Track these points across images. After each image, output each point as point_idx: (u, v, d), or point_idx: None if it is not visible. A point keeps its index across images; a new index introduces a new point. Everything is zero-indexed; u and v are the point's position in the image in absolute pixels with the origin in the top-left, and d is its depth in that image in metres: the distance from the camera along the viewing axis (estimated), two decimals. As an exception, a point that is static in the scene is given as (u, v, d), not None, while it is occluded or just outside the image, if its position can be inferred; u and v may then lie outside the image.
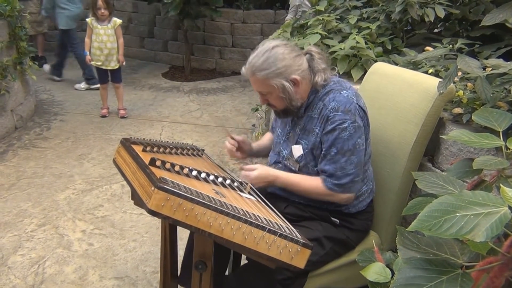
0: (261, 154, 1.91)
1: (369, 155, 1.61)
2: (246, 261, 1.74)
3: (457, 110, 1.63)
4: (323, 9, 2.97)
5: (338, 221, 1.59)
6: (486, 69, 1.63)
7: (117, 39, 4.21)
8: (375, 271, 0.94)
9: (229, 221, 1.12)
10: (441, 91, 1.50)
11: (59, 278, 2.21)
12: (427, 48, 1.95)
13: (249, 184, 1.52)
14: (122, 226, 2.64)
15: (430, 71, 1.89)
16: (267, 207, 1.39)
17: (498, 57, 1.89)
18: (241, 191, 1.44)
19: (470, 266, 0.76)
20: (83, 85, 5.28)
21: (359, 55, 2.34)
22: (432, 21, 2.32)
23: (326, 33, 2.60)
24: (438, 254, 0.81)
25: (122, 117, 4.44)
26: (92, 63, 4.26)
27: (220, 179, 1.42)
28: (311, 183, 1.54)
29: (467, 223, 0.68)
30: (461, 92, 1.65)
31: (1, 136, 3.82)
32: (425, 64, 1.97)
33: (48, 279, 2.19)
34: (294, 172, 1.59)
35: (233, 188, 1.42)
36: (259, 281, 1.54)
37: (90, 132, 4.08)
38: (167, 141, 1.67)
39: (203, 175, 1.39)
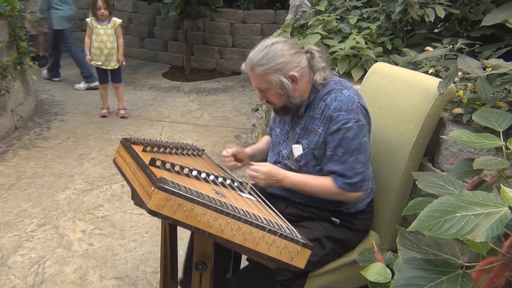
0: (257, 158, 1.89)
1: (369, 154, 1.61)
2: (246, 264, 1.74)
3: (457, 110, 1.63)
4: (323, 9, 2.97)
5: (338, 221, 1.59)
6: (486, 69, 1.63)
7: (117, 39, 4.21)
8: (375, 271, 0.93)
9: (229, 221, 1.12)
10: (441, 91, 1.50)
11: (59, 278, 2.21)
12: (427, 48, 1.95)
13: (249, 184, 1.52)
14: (122, 226, 2.64)
15: (430, 71, 1.89)
16: (267, 207, 1.39)
17: (498, 57, 1.89)
18: (241, 191, 1.44)
19: (470, 266, 0.76)
20: (82, 84, 5.28)
21: (359, 55, 2.34)
22: (432, 21, 2.32)
23: (326, 33, 2.60)
24: (439, 254, 0.81)
25: (122, 117, 4.44)
26: (92, 63, 4.26)
27: (220, 179, 1.42)
28: (321, 182, 1.53)
29: (468, 223, 0.68)
30: (461, 92, 1.65)
31: (1, 136, 3.82)
32: (425, 64, 1.97)
33: (48, 279, 2.19)
34: (295, 171, 1.59)
35: (233, 188, 1.42)
36: (259, 282, 1.54)
37: (90, 132, 4.08)
38: (167, 141, 1.67)
39: (203, 175, 1.39)
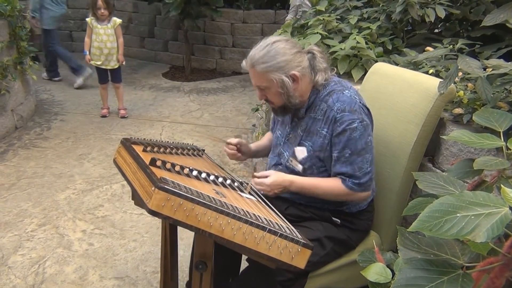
0: (261, 155, 1.90)
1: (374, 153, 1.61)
2: (246, 264, 1.74)
3: (458, 110, 1.62)
4: (324, 9, 2.97)
5: (339, 221, 1.59)
6: (487, 69, 1.63)
7: (117, 38, 4.22)
8: (375, 272, 0.93)
9: (229, 221, 1.12)
10: (442, 92, 1.50)
11: (59, 278, 2.21)
12: (428, 48, 1.95)
13: (250, 184, 1.51)
14: (122, 226, 2.64)
15: (430, 71, 1.89)
16: (267, 207, 1.39)
17: (499, 58, 1.88)
18: (242, 191, 1.44)
19: (470, 267, 0.76)
20: (79, 80, 5.28)
21: (360, 55, 2.34)
22: (433, 21, 2.32)
23: (326, 33, 2.60)
24: (439, 254, 0.81)
25: (123, 117, 4.44)
26: (92, 62, 4.26)
27: (220, 179, 1.42)
28: (330, 184, 1.52)
29: (468, 224, 0.68)
30: (461, 92, 1.65)
31: (2, 136, 3.82)
32: (426, 64, 1.97)
33: (49, 279, 2.19)
34: (298, 173, 1.58)
35: (233, 188, 1.42)
36: (259, 282, 1.53)
37: (90, 132, 4.08)
38: (168, 141, 1.67)
39: (203, 175, 1.39)
